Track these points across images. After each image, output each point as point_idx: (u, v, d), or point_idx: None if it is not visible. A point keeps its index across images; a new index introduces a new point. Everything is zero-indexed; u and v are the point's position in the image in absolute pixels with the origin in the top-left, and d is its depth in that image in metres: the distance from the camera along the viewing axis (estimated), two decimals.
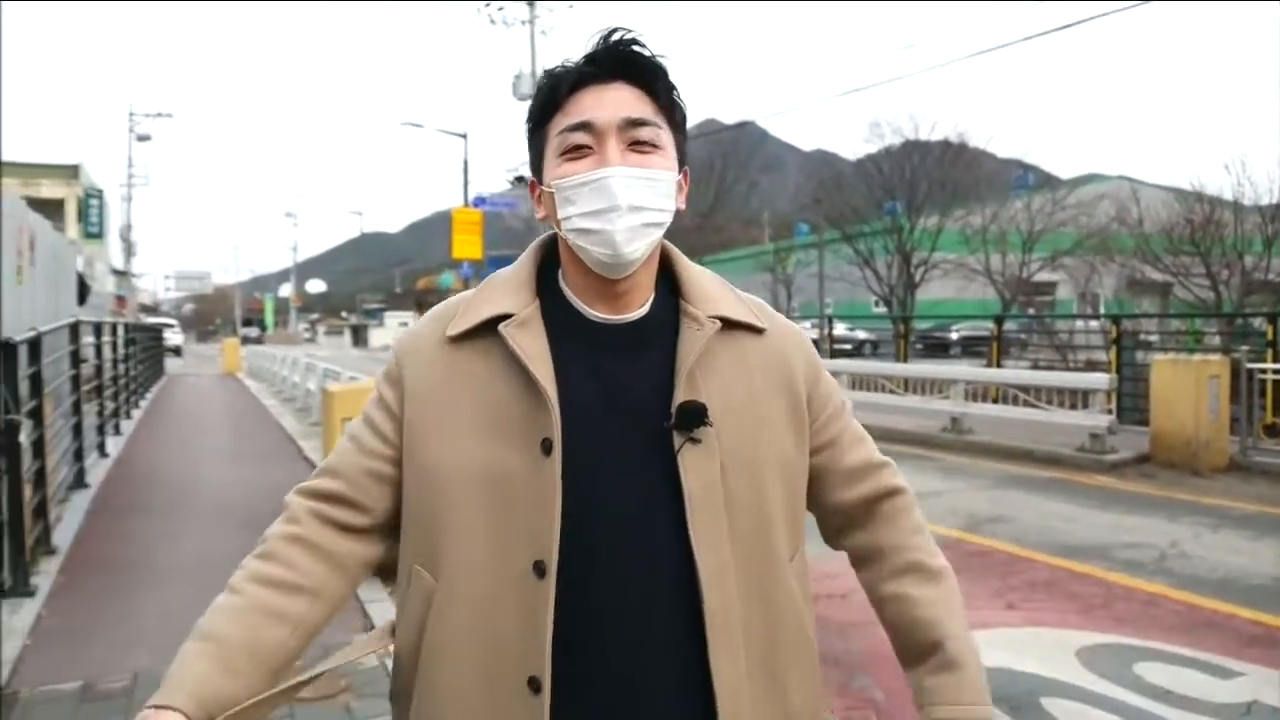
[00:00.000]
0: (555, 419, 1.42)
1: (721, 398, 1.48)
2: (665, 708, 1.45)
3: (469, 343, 1.51)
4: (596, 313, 1.51)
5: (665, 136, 1.49)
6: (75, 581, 6.79)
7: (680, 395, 1.45)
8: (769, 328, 1.58)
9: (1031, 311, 33.76)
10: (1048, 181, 39.52)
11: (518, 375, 1.45)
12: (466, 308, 1.54)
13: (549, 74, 1.50)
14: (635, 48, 1.48)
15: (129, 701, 4.72)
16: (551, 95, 1.49)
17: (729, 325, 1.53)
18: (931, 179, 32.61)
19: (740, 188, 38.81)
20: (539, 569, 1.41)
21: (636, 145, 1.45)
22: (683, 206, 1.54)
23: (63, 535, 7.91)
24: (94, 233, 39.02)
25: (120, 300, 39.29)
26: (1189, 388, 12.17)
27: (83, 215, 38.75)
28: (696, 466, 1.45)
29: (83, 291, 13.07)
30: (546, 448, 1.42)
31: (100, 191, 41.13)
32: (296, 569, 1.50)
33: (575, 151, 1.45)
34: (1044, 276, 32.64)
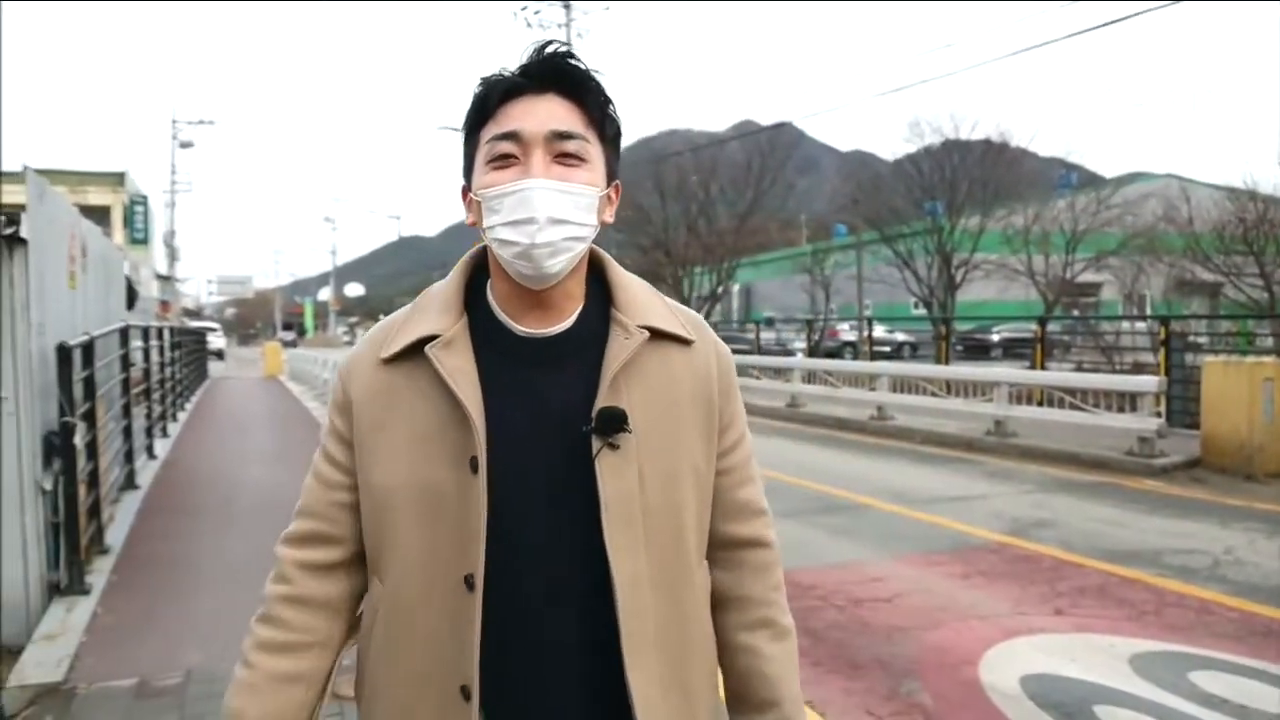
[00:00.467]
0: (480, 439, 1.46)
1: (644, 406, 1.52)
2: (584, 714, 1.52)
3: (401, 364, 1.55)
4: (523, 326, 1.54)
5: (593, 150, 1.51)
6: (128, 580, 6.91)
7: (601, 401, 1.49)
8: (696, 340, 1.61)
9: (1076, 313, 33.44)
10: (1092, 181, 39.11)
11: (446, 395, 1.49)
12: (398, 329, 1.57)
13: (483, 81, 1.52)
14: (570, 60, 1.50)
15: (182, 698, 4.84)
16: (483, 103, 1.51)
17: (657, 335, 1.56)
18: (972, 179, 32.27)
19: (777, 189, 38.50)
20: (469, 582, 1.47)
21: (562, 158, 1.47)
22: (610, 220, 1.57)
23: (115, 535, 8.06)
24: (139, 238, 39.62)
25: (164, 305, 39.70)
26: (1242, 390, 11.97)
27: (128, 221, 39.43)
28: (614, 473, 1.48)
29: (131, 296, 13.19)
30: (474, 465, 1.46)
31: (145, 198, 41.70)
32: (296, 628, 1.60)
33: (502, 160, 1.47)
34: (1088, 277, 32.28)
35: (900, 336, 35.01)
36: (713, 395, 1.61)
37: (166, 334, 16.86)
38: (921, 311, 33.07)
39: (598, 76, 1.52)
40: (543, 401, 1.51)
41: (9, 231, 5.68)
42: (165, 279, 47.95)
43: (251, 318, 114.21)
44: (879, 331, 28.63)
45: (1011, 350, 30.76)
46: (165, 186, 54.10)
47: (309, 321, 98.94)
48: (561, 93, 1.49)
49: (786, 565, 6.05)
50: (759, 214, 38.17)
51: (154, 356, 14.09)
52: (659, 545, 1.53)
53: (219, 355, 49.78)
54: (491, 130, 1.48)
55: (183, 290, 63.65)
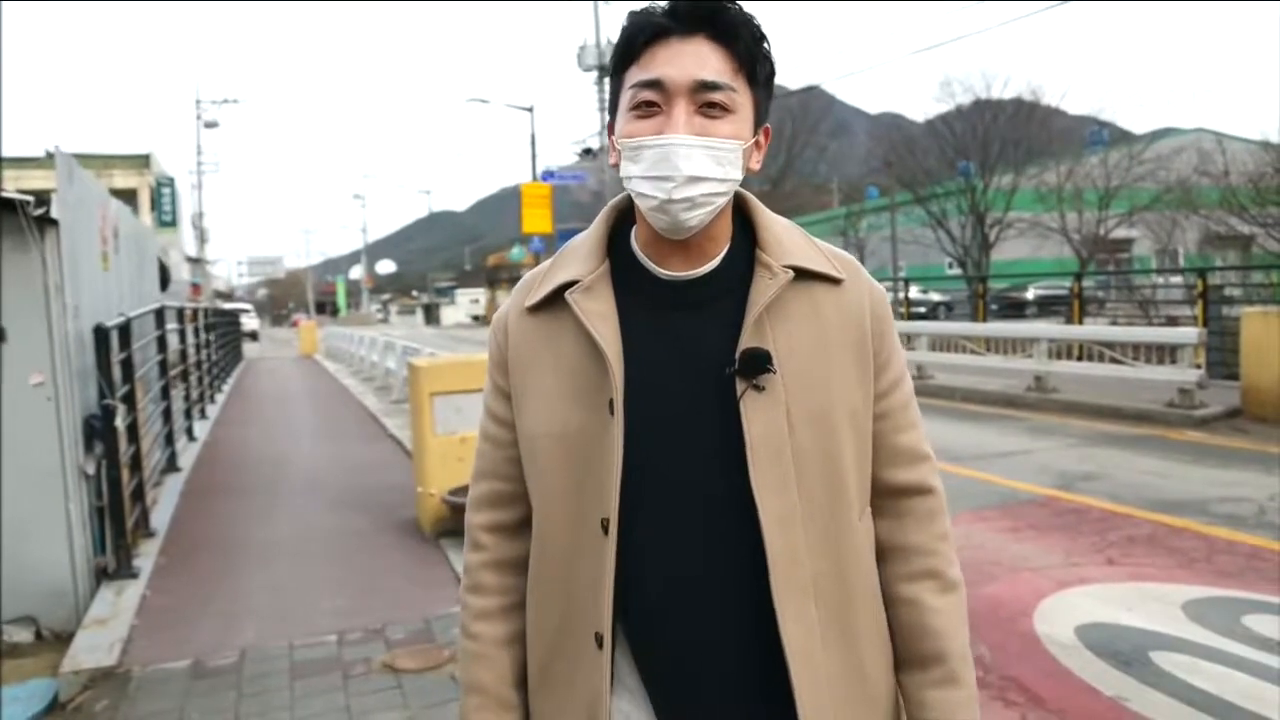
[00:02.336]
0: (616, 381, 1.43)
1: (790, 346, 1.46)
2: (732, 669, 1.47)
3: (545, 311, 1.54)
4: (666, 270, 1.49)
5: (740, 99, 1.42)
6: (175, 562, 6.93)
7: (745, 342, 1.43)
8: (846, 279, 1.53)
9: (1111, 268, 33.21)
10: (1123, 137, 38.80)
11: (587, 339, 1.47)
12: (543, 278, 1.57)
13: (631, 18, 1.45)
14: (720, 1, 1.42)
15: (238, 677, 4.84)
16: (629, 45, 1.44)
17: (804, 275, 1.49)
18: (1004, 137, 32.11)
19: (809, 153, 38.52)
20: (605, 525, 1.44)
21: (706, 108, 1.40)
22: (757, 167, 1.51)
23: (160, 518, 8.08)
24: (167, 221, 39.63)
25: (195, 287, 39.90)
26: None
27: (155, 204, 39.40)
28: (759, 414, 1.43)
29: (164, 278, 13.23)
30: (611, 407, 1.44)
31: (171, 180, 41.71)
32: (504, 591, 1.63)
33: (644, 109, 1.41)
34: (1121, 233, 32.07)
35: (935, 297, 34.81)
36: (866, 336, 1.52)
37: (201, 315, 16.96)
38: (956, 271, 32.94)
39: (752, 16, 1.43)
40: (685, 343, 1.47)
41: (39, 212, 5.65)
42: (195, 261, 48.20)
43: (284, 298, 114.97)
44: (914, 292, 28.46)
45: (1047, 307, 30.67)
46: (191, 168, 54.35)
47: (341, 300, 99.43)
48: (711, 36, 1.40)
49: None
50: (791, 178, 38.18)
51: (189, 338, 14.14)
52: (813, 489, 1.46)
53: (253, 336, 50.16)
54: (635, 75, 1.42)
55: (213, 272, 63.99)
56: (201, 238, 53.21)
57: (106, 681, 4.87)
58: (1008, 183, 30.88)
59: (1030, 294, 33.13)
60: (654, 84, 1.39)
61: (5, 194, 5.55)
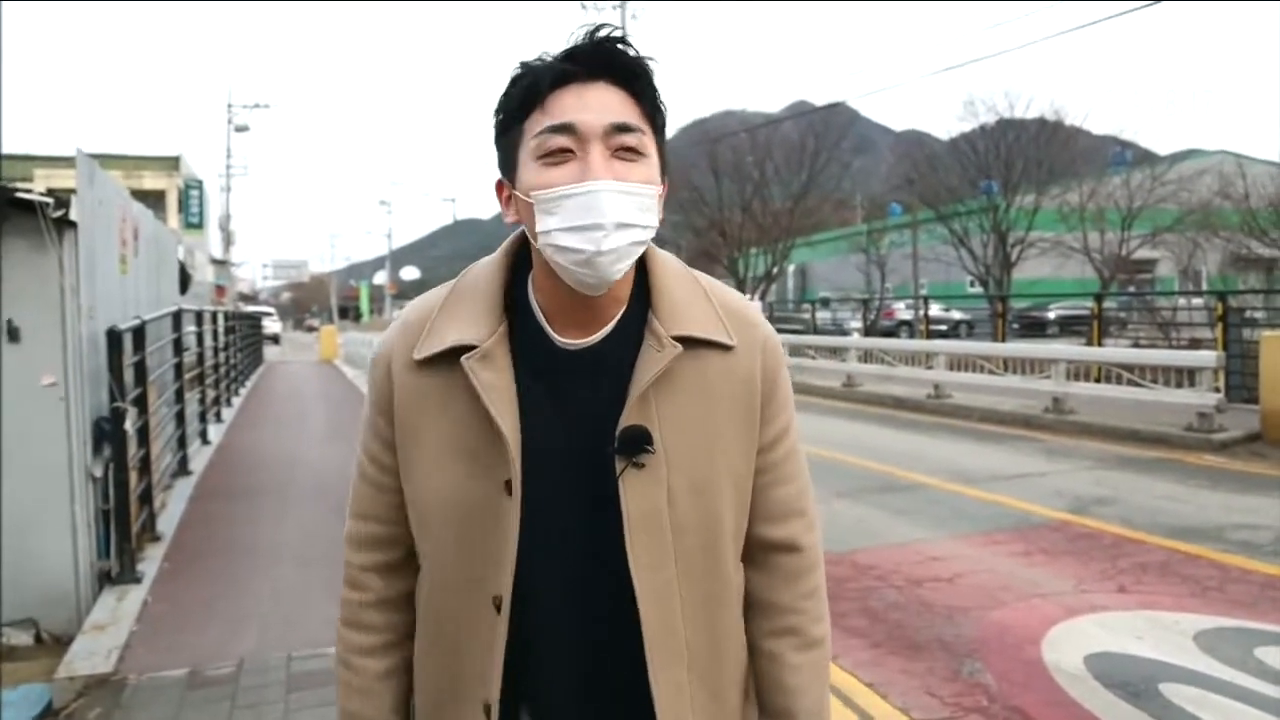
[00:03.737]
0: (515, 466, 1.40)
1: (675, 420, 1.44)
2: None
3: (434, 368, 1.46)
4: (563, 337, 1.45)
5: (649, 143, 1.40)
6: (180, 568, 6.89)
7: (626, 419, 1.41)
8: (738, 343, 1.49)
9: (1132, 289, 33.08)
10: (1146, 158, 38.62)
11: (483, 414, 1.42)
12: (432, 327, 1.48)
13: (525, 67, 1.40)
14: (622, 46, 1.39)
15: (235, 687, 4.80)
16: (529, 92, 1.38)
17: (693, 343, 1.46)
18: (1027, 157, 32.00)
19: (832, 169, 38.37)
20: (496, 603, 1.44)
21: (621, 152, 1.36)
22: (660, 218, 1.45)
23: (167, 522, 8.05)
24: (194, 223, 39.76)
25: (219, 289, 40.06)
26: None
27: (183, 206, 39.49)
28: (639, 492, 1.42)
29: (184, 280, 13.22)
30: (509, 488, 1.41)
31: (200, 182, 41.84)
32: (385, 629, 1.61)
33: (556, 156, 1.35)
34: (1143, 254, 31.93)
35: (956, 315, 34.77)
36: (755, 397, 1.51)
37: (221, 318, 16.98)
38: (978, 290, 32.84)
39: (648, 61, 1.41)
40: (575, 418, 1.44)
41: (58, 214, 5.67)
42: (220, 263, 48.39)
43: (307, 302, 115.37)
44: (935, 310, 28.39)
45: (1068, 327, 30.57)
46: (220, 170, 54.47)
47: (364, 305, 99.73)
48: (613, 81, 1.38)
49: (847, 545, 6.02)
50: (814, 194, 38.06)
51: (208, 341, 14.15)
52: (691, 561, 1.47)
53: (274, 340, 50.30)
54: (541, 121, 1.36)
55: (238, 275, 64.28)
56: (228, 240, 53.44)
57: (101, 689, 4.83)
58: (1030, 202, 30.76)
59: (1051, 314, 33.03)
60: (565, 128, 1.35)
61: (25, 195, 5.57)
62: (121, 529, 6.33)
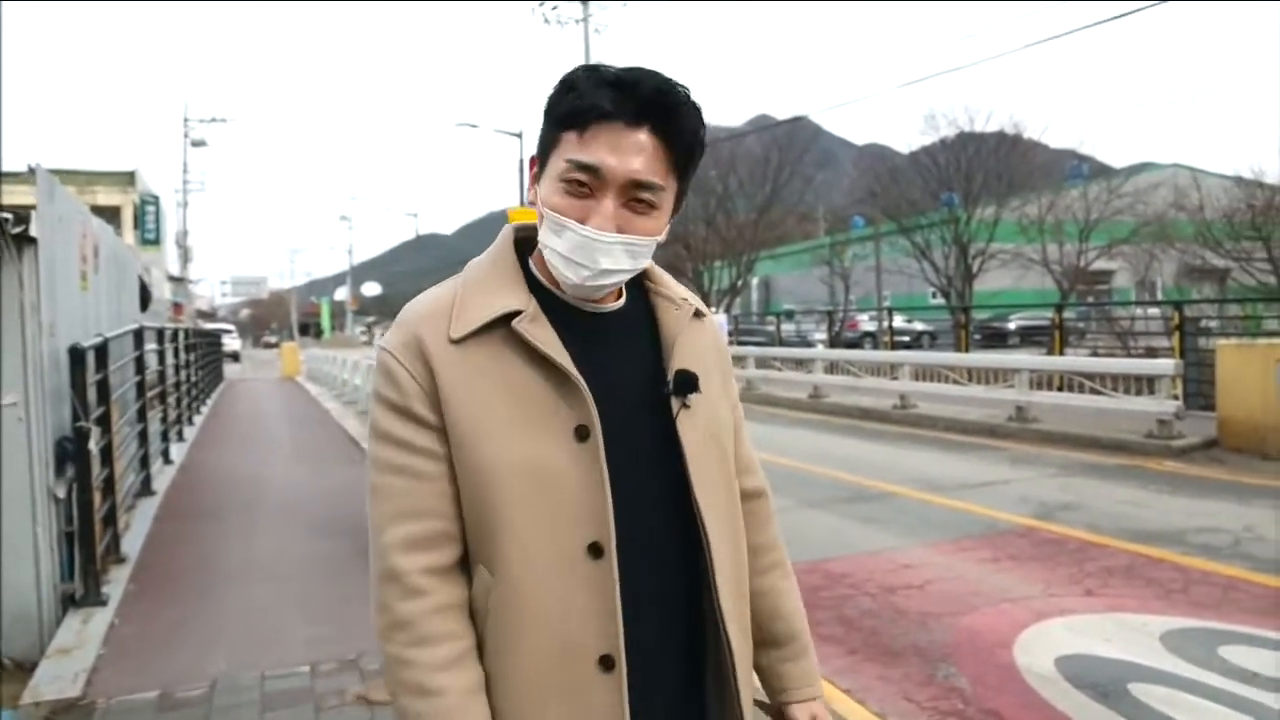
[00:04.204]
0: (591, 406, 1.47)
1: (693, 370, 1.59)
2: (687, 664, 1.60)
3: (475, 342, 1.50)
4: (584, 305, 1.57)
5: (666, 196, 1.49)
6: (146, 589, 6.78)
7: (677, 364, 1.57)
8: (706, 314, 1.71)
9: (1091, 300, 33.44)
10: (1102, 171, 39.19)
11: (539, 368, 1.48)
12: (460, 309, 1.52)
13: (578, 86, 1.46)
14: (671, 96, 1.45)
15: (208, 709, 4.71)
16: (575, 113, 1.45)
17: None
18: (987, 170, 32.34)
19: (795, 183, 38.63)
20: (595, 550, 1.47)
21: (634, 202, 1.46)
22: (663, 239, 1.56)
23: (131, 543, 7.92)
24: (150, 239, 39.02)
25: (177, 307, 39.56)
26: (1255, 372, 12.05)
27: (139, 222, 38.60)
28: (690, 430, 1.56)
29: (144, 297, 13.08)
30: (581, 434, 1.47)
31: (156, 198, 41.07)
32: (457, 636, 1.49)
33: (575, 186, 1.45)
34: (1101, 265, 32.29)
35: (919, 326, 35.02)
36: (726, 361, 1.73)
37: (182, 336, 16.79)
38: (940, 301, 33.08)
39: (699, 110, 1.49)
40: (616, 370, 1.55)
41: (18, 230, 5.58)
42: (178, 280, 47.87)
43: (267, 319, 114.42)
44: (898, 322, 28.55)
45: (1029, 338, 30.90)
46: (177, 186, 53.80)
47: (325, 321, 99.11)
48: (655, 130, 1.45)
49: (819, 554, 6.09)
50: (777, 207, 38.30)
51: (169, 359, 13.96)
52: (723, 492, 1.61)
53: (235, 357, 49.87)
54: (573, 149, 1.44)
55: (196, 292, 63.66)
56: (185, 257, 52.83)
57: (69, 714, 4.73)
58: (990, 214, 31.05)
59: (1012, 324, 33.34)
60: (591, 170, 1.43)
61: None
62: (86, 551, 6.22)
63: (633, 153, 1.43)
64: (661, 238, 1.53)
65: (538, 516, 1.46)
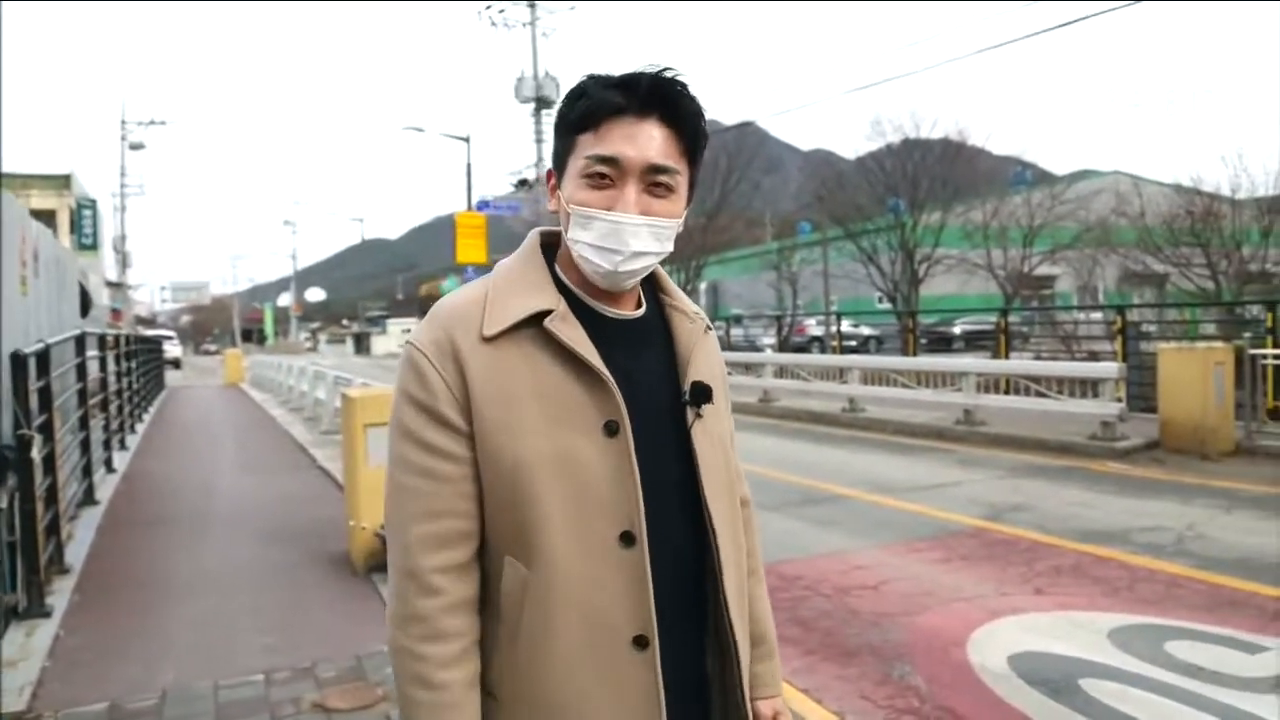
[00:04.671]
0: (620, 403, 1.55)
1: (707, 383, 1.68)
2: (702, 654, 1.69)
3: (507, 340, 1.56)
4: (609, 310, 1.64)
5: (681, 179, 1.59)
6: (92, 600, 6.66)
7: (694, 375, 1.66)
8: (713, 329, 1.79)
9: (1035, 304, 33.86)
10: (1045, 178, 39.58)
11: (568, 365, 1.55)
12: (491, 309, 1.57)
13: (590, 88, 1.56)
14: (676, 87, 1.55)
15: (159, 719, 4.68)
16: (587, 114, 1.55)
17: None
18: (933, 176, 32.61)
19: (743, 188, 38.72)
20: (626, 539, 1.54)
21: (654, 188, 1.55)
22: (681, 225, 1.65)
23: (75, 553, 7.78)
24: (87, 244, 38.28)
25: (115, 313, 38.93)
26: (1196, 375, 12.28)
27: (75, 226, 37.94)
28: (704, 439, 1.64)
29: (85, 303, 12.88)
30: (610, 429, 1.54)
31: (93, 202, 40.39)
32: (464, 633, 1.57)
33: (596, 179, 1.54)
34: (1044, 270, 32.71)
35: (866, 331, 35.32)
36: (726, 374, 1.80)
37: (122, 342, 16.55)
38: (886, 306, 33.34)
39: (698, 100, 1.58)
40: (638, 373, 1.61)
41: None
42: (116, 286, 47.15)
43: (208, 325, 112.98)
44: (846, 326, 28.79)
45: (974, 342, 31.18)
46: (115, 189, 52.88)
47: (269, 327, 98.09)
48: (663, 118, 1.55)
49: (774, 557, 6.17)
50: (725, 212, 38.33)
51: (110, 366, 13.73)
52: (727, 498, 1.70)
53: (175, 364, 49.24)
54: (592, 147, 1.54)
55: (135, 298, 62.78)
56: (124, 262, 52.01)
57: None
58: (936, 220, 31.32)
59: (957, 329, 33.67)
60: (610, 161, 1.53)
61: None
62: (29, 561, 6.12)
63: (646, 140, 1.53)
64: (680, 222, 1.61)
65: (573, 508, 1.53)
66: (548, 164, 1.69)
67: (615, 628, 1.54)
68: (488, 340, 1.55)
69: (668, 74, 1.56)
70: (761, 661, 1.88)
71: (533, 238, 1.71)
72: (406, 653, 1.55)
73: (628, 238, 1.53)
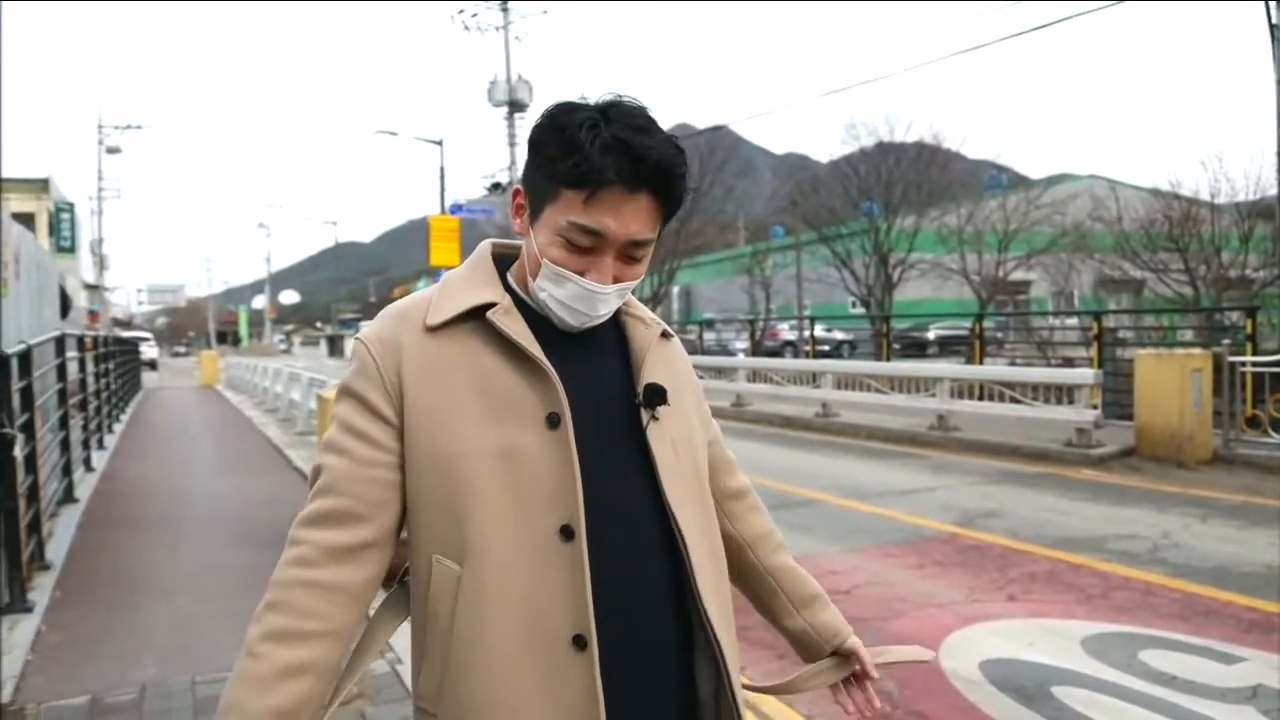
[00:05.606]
0: (561, 395, 1.53)
1: (662, 384, 1.67)
2: (674, 652, 1.65)
3: (449, 332, 1.57)
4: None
5: (653, 245, 1.61)
6: (72, 596, 6.70)
7: (648, 378, 1.65)
8: (673, 335, 1.79)
9: (1010, 309, 34.00)
10: (1020, 182, 39.81)
11: (511, 357, 1.55)
12: (440, 301, 1.60)
13: (582, 148, 1.47)
14: (668, 168, 1.51)
15: (139, 714, 4.66)
16: (578, 174, 1.47)
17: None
18: (907, 180, 32.76)
19: (716, 192, 38.76)
20: (566, 533, 1.51)
21: (628, 257, 1.57)
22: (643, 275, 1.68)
23: (56, 550, 7.81)
24: (65, 247, 38.55)
25: (93, 315, 38.84)
26: (1172, 382, 12.26)
27: (54, 229, 38.14)
28: (659, 440, 1.62)
29: (65, 305, 12.88)
30: (553, 421, 1.53)
31: (71, 205, 40.62)
32: (311, 614, 1.48)
33: (576, 244, 1.53)
34: (1019, 275, 32.88)
35: (839, 335, 35.35)
36: (696, 378, 1.83)
37: (100, 344, 16.52)
38: (860, 310, 33.46)
39: (685, 164, 1.57)
40: (587, 375, 1.61)
41: None
42: (93, 288, 46.96)
43: (184, 327, 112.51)
44: (819, 331, 28.86)
45: (948, 347, 31.26)
46: (92, 193, 52.77)
47: (243, 329, 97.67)
48: (652, 193, 1.53)
49: None
50: (698, 216, 38.34)
51: (89, 367, 13.79)
52: (696, 503, 1.67)
53: (152, 365, 49.04)
54: (578, 213, 1.50)
55: (112, 300, 62.47)
56: (101, 264, 51.87)
57: None
58: (910, 224, 31.47)
59: (931, 334, 33.76)
60: (594, 233, 1.51)
61: None
62: (11, 557, 6.14)
63: (632, 215, 1.52)
64: (644, 274, 1.64)
65: (511, 500, 1.51)
66: (521, 168, 1.67)
67: (553, 626, 1.49)
68: (431, 331, 1.57)
69: (671, 155, 1.52)
70: (825, 610, 1.91)
71: (484, 248, 1.72)
72: (256, 617, 1.50)
73: (598, 304, 1.57)
